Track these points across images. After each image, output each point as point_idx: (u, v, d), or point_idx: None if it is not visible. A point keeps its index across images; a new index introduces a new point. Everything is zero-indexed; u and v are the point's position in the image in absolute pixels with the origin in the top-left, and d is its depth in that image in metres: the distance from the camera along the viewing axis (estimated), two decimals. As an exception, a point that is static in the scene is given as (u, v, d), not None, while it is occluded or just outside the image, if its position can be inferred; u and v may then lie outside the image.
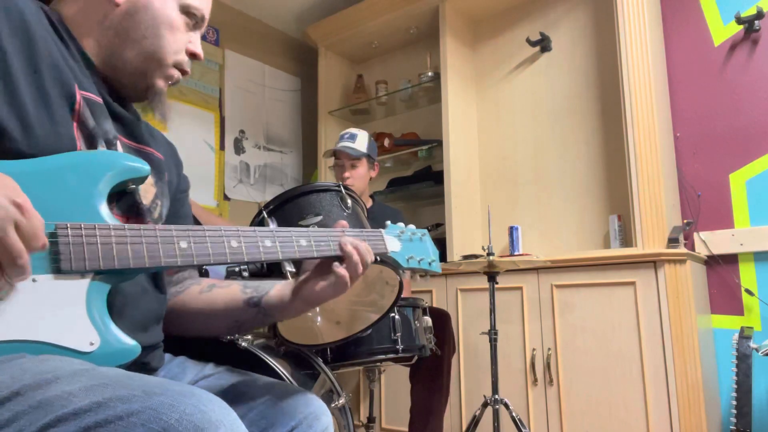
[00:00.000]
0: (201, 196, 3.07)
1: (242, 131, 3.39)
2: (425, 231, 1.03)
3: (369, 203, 2.44)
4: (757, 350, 1.92)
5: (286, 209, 1.36)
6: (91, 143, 0.76)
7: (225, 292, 0.94)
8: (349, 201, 1.38)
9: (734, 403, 1.89)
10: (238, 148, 3.35)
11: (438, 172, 2.96)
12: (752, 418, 1.88)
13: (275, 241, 0.81)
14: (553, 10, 2.80)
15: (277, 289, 0.91)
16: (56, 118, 0.71)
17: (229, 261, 0.75)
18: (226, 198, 3.23)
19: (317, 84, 3.47)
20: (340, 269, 0.85)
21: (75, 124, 0.74)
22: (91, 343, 0.66)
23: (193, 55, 0.91)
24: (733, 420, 1.88)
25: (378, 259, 1.08)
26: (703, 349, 2.09)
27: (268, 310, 0.90)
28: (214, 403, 0.58)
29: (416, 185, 3.06)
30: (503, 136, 2.90)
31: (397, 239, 0.97)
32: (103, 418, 0.53)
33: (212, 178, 3.17)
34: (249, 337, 1.38)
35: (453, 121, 2.79)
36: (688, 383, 1.93)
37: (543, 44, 2.77)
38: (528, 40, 2.78)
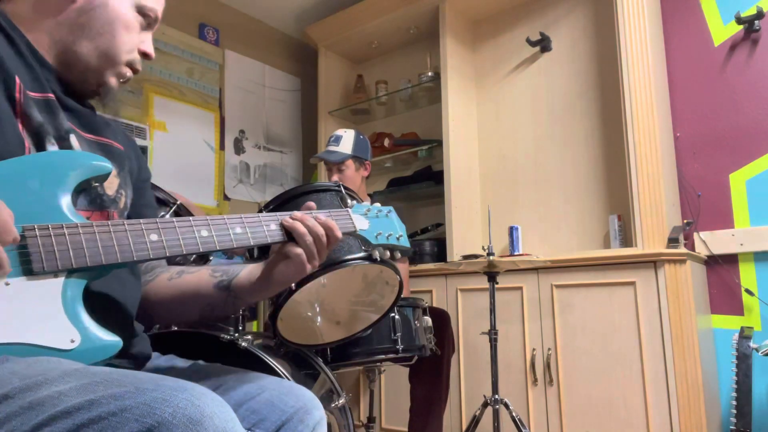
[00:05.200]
0: (201, 196, 3.07)
1: (242, 131, 3.39)
2: (390, 208, 1.03)
3: (367, 202, 2.44)
4: (757, 350, 1.92)
5: (286, 209, 1.36)
6: (38, 140, 0.76)
7: (194, 277, 0.94)
8: (349, 201, 1.38)
9: (734, 403, 1.89)
10: (238, 148, 3.35)
11: (438, 172, 2.96)
12: (752, 418, 1.88)
13: (245, 227, 0.81)
14: (553, 10, 2.80)
15: (246, 272, 0.91)
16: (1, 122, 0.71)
17: (201, 250, 0.76)
18: (226, 198, 3.23)
19: (317, 84, 3.47)
20: (292, 247, 0.84)
21: (19, 122, 0.74)
22: (72, 341, 0.66)
23: (144, 55, 0.91)
24: (733, 420, 1.88)
25: (377, 258, 1.07)
26: (703, 349, 2.09)
27: (238, 292, 0.90)
28: (207, 396, 0.58)
29: (416, 185, 3.06)
30: (503, 136, 2.90)
31: (365, 217, 0.98)
32: (96, 414, 0.53)
33: (212, 178, 3.17)
34: (249, 336, 1.38)
35: (453, 121, 2.79)
36: (688, 383, 1.93)
37: (543, 44, 2.77)
38: (528, 40, 2.78)
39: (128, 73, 0.90)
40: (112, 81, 0.88)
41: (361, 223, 0.96)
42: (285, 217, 0.85)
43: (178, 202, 1.54)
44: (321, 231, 0.85)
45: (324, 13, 3.48)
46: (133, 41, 0.88)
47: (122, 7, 0.86)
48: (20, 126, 0.74)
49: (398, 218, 1.04)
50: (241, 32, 3.44)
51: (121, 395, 0.55)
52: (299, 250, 0.83)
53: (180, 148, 2.99)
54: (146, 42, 0.91)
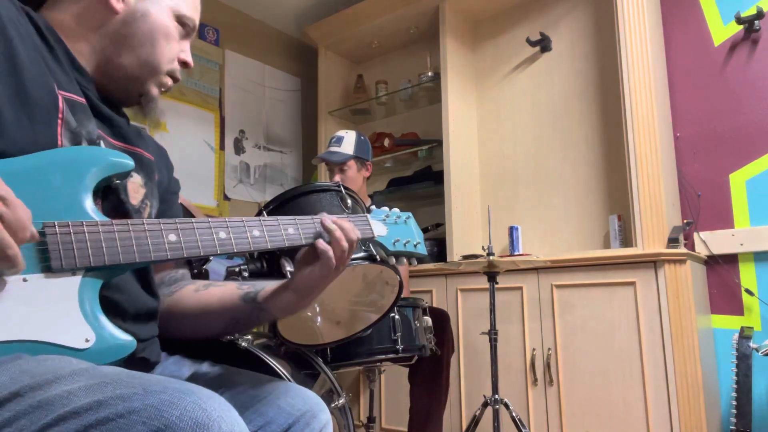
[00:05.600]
0: (201, 196, 3.07)
1: (242, 131, 3.39)
2: (409, 214, 1.02)
3: (368, 203, 2.44)
4: (757, 350, 1.92)
5: (286, 209, 1.36)
6: (75, 143, 0.76)
7: (220, 289, 0.94)
8: (349, 201, 1.38)
9: (734, 403, 1.89)
10: (238, 148, 3.35)
11: (438, 172, 2.96)
12: (752, 418, 1.88)
13: (263, 230, 0.81)
14: (553, 10, 2.80)
15: (273, 284, 0.91)
16: (36, 118, 0.71)
17: (218, 252, 0.76)
18: (226, 198, 3.23)
19: (317, 84, 3.47)
20: (323, 245, 0.84)
21: (60, 123, 0.74)
22: (87, 340, 0.66)
23: (184, 64, 0.92)
24: (733, 420, 1.88)
25: (377, 257, 1.07)
26: (703, 349, 2.09)
27: (264, 305, 0.90)
28: (214, 399, 0.58)
29: (416, 185, 3.06)
30: (503, 136, 2.90)
31: (383, 223, 0.97)
32: (104, 416, 0.53)
33: (212, 178, 3.17)
34: (249, 337, 1.38)
35: (453, 121, 2.79)
36: (688, 383, 1.93)
37: (543, 44, 2.77)
38: (528, 40, 2.78)
39: (169, 82, 0.91)
40: (154, 91, 0.89)
41: (380, 229, 0.95)
42: (326, 219, 0.85)
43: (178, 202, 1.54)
44: (354, 236, 0.85)
45: (324, 13, 3.48)
46: (174, 51, 0.89)
47: (163, 18, 0.87)
48: (60, 125, 0.74)
49: (416, 225, 1.03)
50: (241, 32, 3.44)
51: (129, 397, 0.55)
52: (332, 255, 0.83)
53: (180, 148, 2.99)
54: (185, 51, 0.92)
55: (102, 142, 0.81)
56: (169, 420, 0.53)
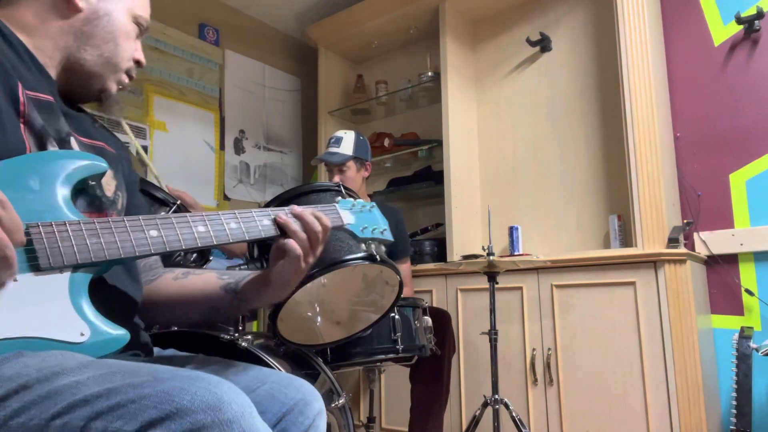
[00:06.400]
0: (201, 196, 3.07)
1: (242, 131, 3.39)
2: (373, 204, 1.06)
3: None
4: (757, 350, 1.92)
5: (286, 209, 1.36)
6: (40, 142, 0.77)
7: (201, 278, 0.96)
8: (349, 201, 1.38)
9: (734, 403, 1.90)
10: (238, 148, 3.35)
11: (438, 172, 2.96)
12: (752, 418, 1.88)
13: (239, 222, 0.83)
14: (553, 10, 2.80)
15: (252, 275, 0.93)
16: (2, 122, 0.72)
17: (199, 245, 0.78)
18: (226, 198, 3.23)
19: (317, 84, 3.47)
20: (287, 241, 0.85)
21: (21, 125, 0.75)
22: (82, 334, 0.67)
23: (138, 63, 0.96)
24: (733, 420, 1.88)
25: (377, 258, 1.07)
26: (703, 349, 2.09)
27: (244, 295, 0.92)
28: (223, 384, 0.59)
29: (416, 185, 3.06)
30: (503, 136, 2.90)
31: (350, 212, 1.00)
32: (116, 402, 0.55)
33: (212, 178, 3.17)
34: (249, 337, 1.38)
35: (453, 121, 2.79)
36: (688, 383, 1.93)
37: (543, 44, 2.77)
38: (528, 40, 2.78)
39: (126, 80, 0.94)
40: (113, 87, 0.92)
41: (348, 218, 0.99)
42: (279, 213, 0.86)
43: (178, 202, 1.54)
44: (318, 227, 0.86)
45: (324, 13, 3.48)
46: (131, 49, 0.93)
47: (123, 18, 0.90)
48: (22, 127, 0.75)
49: (381, 213, 1.07)
50: (241, 32, 3.44)
51: (140, 384, 0.56)
52: (295, 246, 0.84)
53: (180, 148, 2.99)
54: (138, 50, 0.96)
55: (72, 139, 0.83)
56: (180, 404, 0.54)
